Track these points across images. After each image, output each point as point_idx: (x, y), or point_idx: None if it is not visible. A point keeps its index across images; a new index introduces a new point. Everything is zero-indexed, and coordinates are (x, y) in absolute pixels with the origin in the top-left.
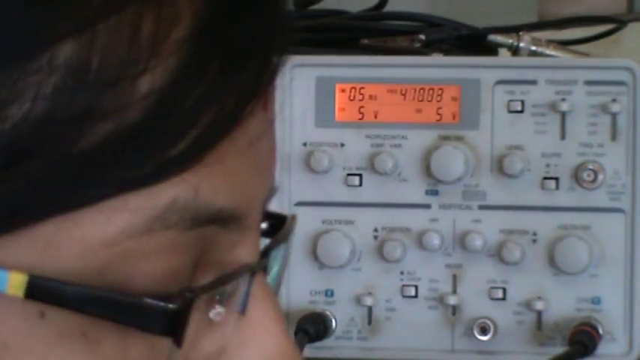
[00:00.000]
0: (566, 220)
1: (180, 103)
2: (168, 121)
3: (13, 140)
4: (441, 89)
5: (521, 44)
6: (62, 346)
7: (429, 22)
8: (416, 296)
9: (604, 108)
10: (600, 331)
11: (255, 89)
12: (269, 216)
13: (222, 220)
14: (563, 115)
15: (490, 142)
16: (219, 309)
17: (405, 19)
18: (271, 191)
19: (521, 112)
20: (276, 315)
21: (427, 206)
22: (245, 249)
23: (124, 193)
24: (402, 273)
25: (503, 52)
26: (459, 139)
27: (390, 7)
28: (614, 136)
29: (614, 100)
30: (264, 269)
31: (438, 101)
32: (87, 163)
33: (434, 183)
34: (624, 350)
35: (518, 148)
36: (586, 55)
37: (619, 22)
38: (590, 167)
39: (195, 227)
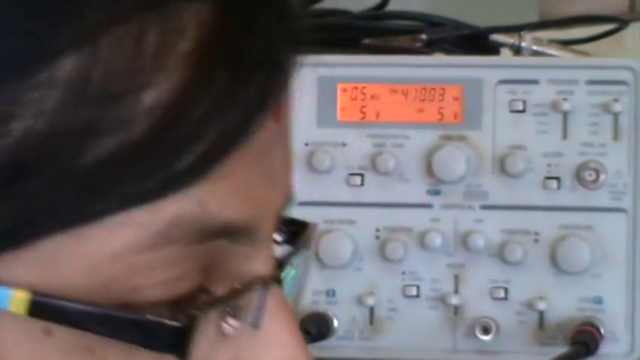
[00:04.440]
0: (568, 219)
1: (186, 118)
2: (173, 135)
3: (16, 156)
4: (442, 89)
5: (523, 44)
6: None
7: (431, 22)
8: (418, 296)
9: (606, 108)
10: (602, 331)
11: (264, 103)
12: (290, 222)
13: (232, 233)
14: (565, 114)
15: (492, 142)
16: (232, 322)
17: (406, 18)
18: (287, 201)
19: (523, 111)
20: (291, 328)
21: (429, 206)
22: (258, 261)
23: (128, 209)
24: (403, 273)
25: (505, 52)
26: (461, 138)
27: (391, 7)
28: (616, 136)
29: (615, 100)
30: (279, 281)
31: (440, 101)
32: (90, 178)
33: (435, 183)
34: (626, 350)
35: (520, 147)
36: (588, 54)
37: (621, 22)
38: (592, 167)
39: (202, 241)
